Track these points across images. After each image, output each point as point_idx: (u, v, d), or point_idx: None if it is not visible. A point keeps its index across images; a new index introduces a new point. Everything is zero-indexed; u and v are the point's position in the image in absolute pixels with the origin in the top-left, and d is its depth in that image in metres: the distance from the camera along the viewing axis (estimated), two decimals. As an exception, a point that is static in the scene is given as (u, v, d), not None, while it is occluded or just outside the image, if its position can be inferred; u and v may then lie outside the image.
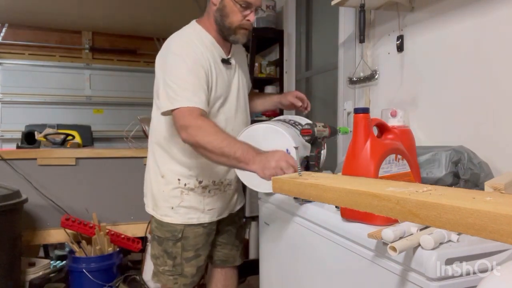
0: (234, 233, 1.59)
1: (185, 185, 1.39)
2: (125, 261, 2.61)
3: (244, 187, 1.55)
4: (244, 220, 2.74)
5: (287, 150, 1.20)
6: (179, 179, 1.39)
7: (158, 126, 1.40)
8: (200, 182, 1.40)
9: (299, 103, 1.53)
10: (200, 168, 1.38)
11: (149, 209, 1.46)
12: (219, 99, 1.35)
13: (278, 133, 1.25)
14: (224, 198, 1.47)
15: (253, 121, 1.48)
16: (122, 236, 2.38)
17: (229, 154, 1.13)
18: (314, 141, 1.17)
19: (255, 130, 1.30)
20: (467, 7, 1.24)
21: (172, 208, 1.39)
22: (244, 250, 2.79)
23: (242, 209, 1.64)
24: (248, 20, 1.31)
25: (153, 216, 1.44)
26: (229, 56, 1.38)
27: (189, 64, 1.24)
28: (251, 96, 1.57)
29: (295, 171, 1.05)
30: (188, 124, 1.18)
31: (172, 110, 1.22)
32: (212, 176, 1.41)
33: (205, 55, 1.29)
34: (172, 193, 1.39)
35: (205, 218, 1.42)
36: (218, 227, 1.52)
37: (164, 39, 1.35)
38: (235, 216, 1.58)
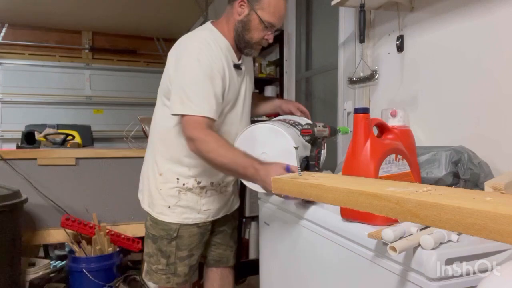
0: (229, 233, 1.60)
1: (183, 184, 1.39)
2: (125, 261, 2.61)
3: (242, 188, 1.55)
4: (244, 220, 2.73)
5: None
6: (177, 178, 1.39)
7: (163, 123, 1.40)
8: (198, 183, 1.40)
9: (299, 114, 1.54)
10: (199, 169, 1.38)
11: (145, 205, 1.46)
12: (228, 104, 1.37)
13: (278, 133, 1.25)
14: (221, 199, 1.47)
15: (253, 121, 1.48)
16: (122, 236, 2.38)
17: (233, 170, 1.22)
18: (314, 141, 1.17)
19: (255, 130, 1.30)
20: (467, 7, 1.24)
21: (169, 207, 1.39)
22: (244, 250, 2.80)
23: (238, 210, 1.65)
24: (267, 39, 1.35)
25: (148, 213, 1.44)
26: (240, 62, 1.40)
27: (205, 69, 1.25)
28: (253, 98, 1.58)
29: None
30: (195, 136, 1.22)
31: (182, 116, 1.25)
32: (211, 178, 1.41)
33: (221, 59, 1.31)
34: (170, 192, 1.39)
35: (200, 218, 1.42)
36: (213, 227, 1.52)
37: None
38: (230, 217, 1.58)
